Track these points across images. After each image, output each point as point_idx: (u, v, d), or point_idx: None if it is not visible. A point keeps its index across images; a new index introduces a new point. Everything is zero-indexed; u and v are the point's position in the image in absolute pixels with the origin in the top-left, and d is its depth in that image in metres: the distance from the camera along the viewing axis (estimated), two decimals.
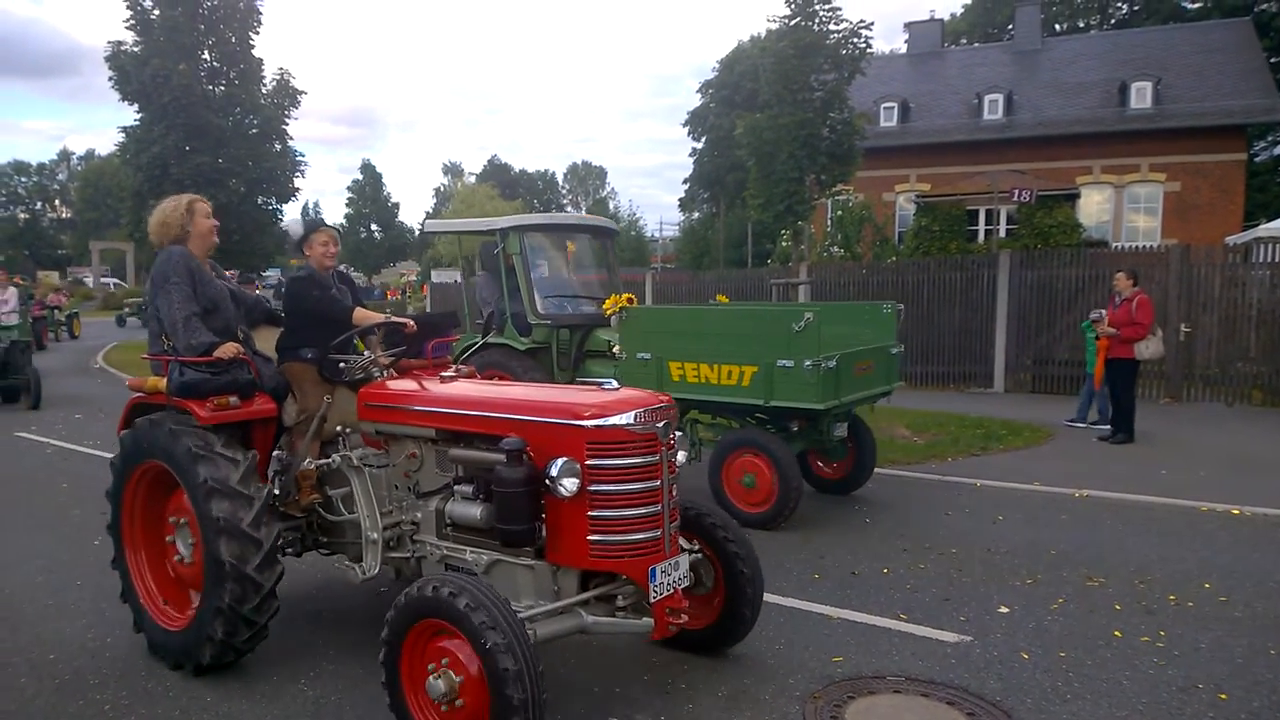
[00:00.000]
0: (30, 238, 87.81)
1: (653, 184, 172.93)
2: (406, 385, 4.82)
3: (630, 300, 8.66)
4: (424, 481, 4.59)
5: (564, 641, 4.96)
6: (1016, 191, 20.16)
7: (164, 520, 4.93)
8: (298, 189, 19.20)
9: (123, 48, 17.19)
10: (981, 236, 23.61)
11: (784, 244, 26.08)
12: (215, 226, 4.96)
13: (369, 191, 59.60)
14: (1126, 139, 30.32)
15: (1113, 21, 47.51)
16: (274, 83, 18.48)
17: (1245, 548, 6.79)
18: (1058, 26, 47.44)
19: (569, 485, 3.75)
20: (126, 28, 17.12)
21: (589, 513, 3.82)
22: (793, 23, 20.49)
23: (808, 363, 6.86)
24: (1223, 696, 4.31)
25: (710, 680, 4.51)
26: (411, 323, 5.27)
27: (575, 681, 4.52)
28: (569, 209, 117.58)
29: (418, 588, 3.65)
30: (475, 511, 4.11)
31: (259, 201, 18.58)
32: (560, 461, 3.74)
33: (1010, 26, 42.05)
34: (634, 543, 3.86)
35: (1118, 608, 5.50)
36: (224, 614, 4.33)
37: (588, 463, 3.80)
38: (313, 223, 5.76)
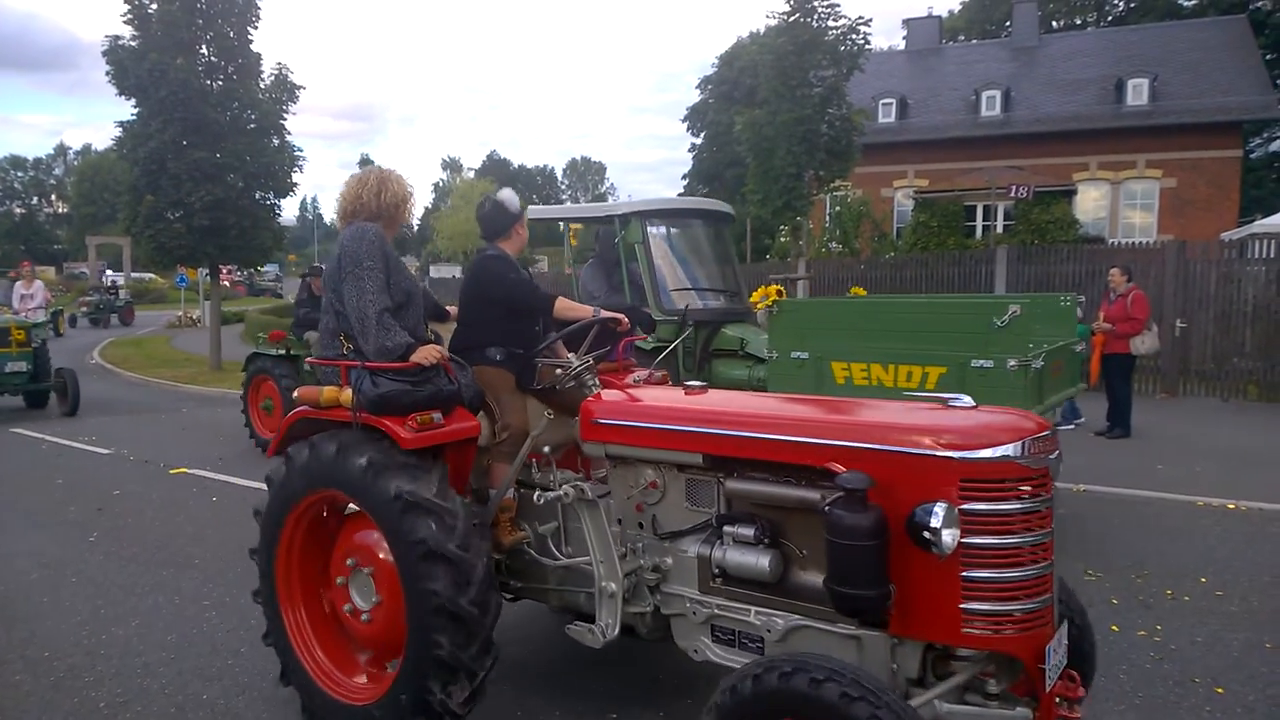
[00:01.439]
0: (26, 233, 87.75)
1: (653, 179, 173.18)
2: (653, 396, 3.95)
3: (781, 292, 7.82)
4: (665, 518, 3.67)
5: (563, 639, 4.97)
6: (1014, 188, 20.19)
7: (328, 567, 4.12)
8: (296, 184, 19.15)
9: (120, 42, 17.10)
10: (979, 232, 23.62)
11: (783, 240, 26.06)
12: (409, 204, 4.13)
13: None
14: (1123, 135, 30.33)
15: (1109, 19, 47.50)
16: (272, 78, 18.42)
17: (1241, 542, 6.80)
18: (1055, 24, 47.44)
19: (949, 539, 2.81)
20: (124, 22, 17.06)
21: (963, 573, 2.87)
22: (791, 19, 20.46)
23: (1011, 362, 5.92)
24: (1219, 690, 4.32)
25: (709, 678, 4.50)
26: (625, 318, 4.40)
27: (575, 680, 4.52)
28: (568, 204, 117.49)
29: (759, 675, 2.75)
30: (762, 561, 3.24)
31: (257, 196, 18.49)
32: (941, 509, 2.79)
33: (1008, 23, 42.03)
34: (1022, 613, 2.88)
35: (1114, 602, 5.50)
36: (439, 667, 3.51)
37: (961, 507, 2.88)
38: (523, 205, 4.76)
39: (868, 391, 6.47)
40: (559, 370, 4.04)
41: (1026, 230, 20.29)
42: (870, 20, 17.64)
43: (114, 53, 17.07)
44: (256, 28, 18.18)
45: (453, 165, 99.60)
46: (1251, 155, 40.61)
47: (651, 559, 3.69)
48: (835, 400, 3.86)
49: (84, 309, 37.07)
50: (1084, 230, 24.03)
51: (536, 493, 3.89)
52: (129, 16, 17.09)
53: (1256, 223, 21.50)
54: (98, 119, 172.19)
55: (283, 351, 10.65)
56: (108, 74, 17.17)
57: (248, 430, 11.00)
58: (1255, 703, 4.21)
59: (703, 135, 50.49)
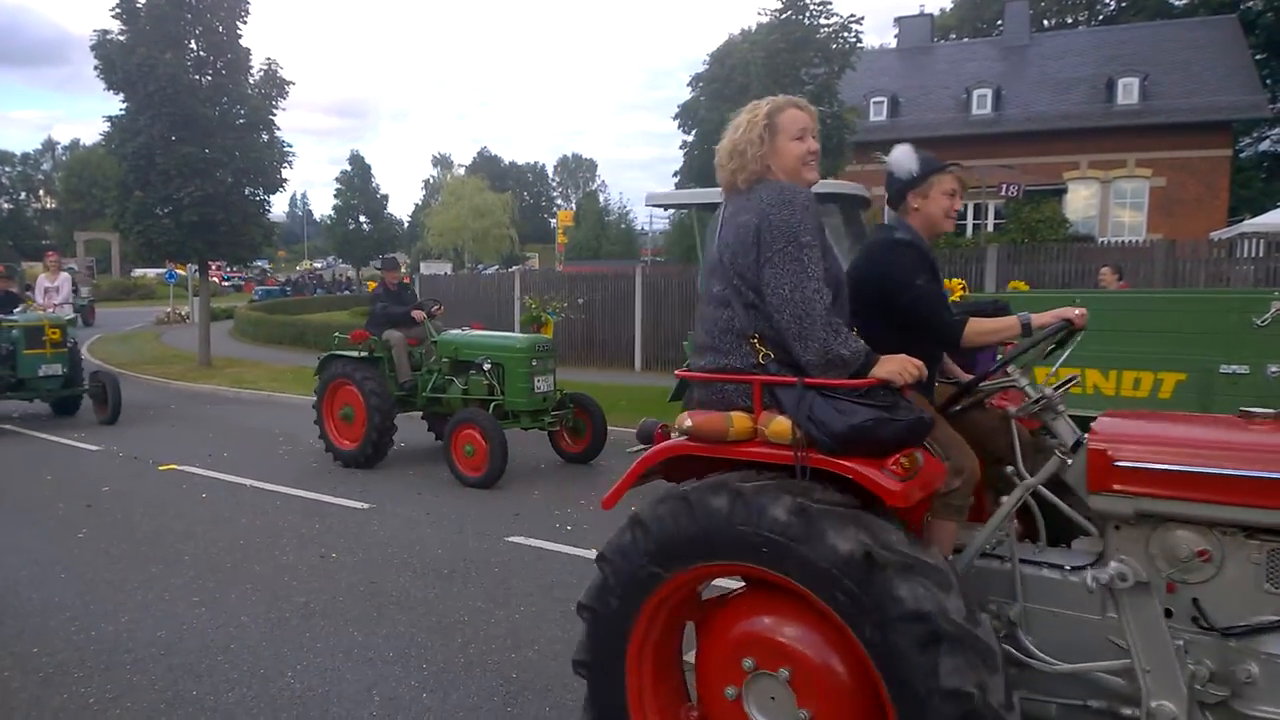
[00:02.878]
0: (14, 228, 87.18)
1: (644, 177, 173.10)
2: (1204, 430, 2.95)
3: (964, 289, 7.10)
4: (1223, 604, 2.64)
5: (553, 634, 4.97)
6: (1004, 186, 20.25)
7: (677, 671, 3.15)
8: (285, 180, 19.05)
9: (108, 36, 16.99)
10: (970, 230, 23.68)
11: None
12: (814, 152, 3.02)
13: (357, 183, 59.20)
14: (1113, 134, 30.44)
15: (1100, 18, 47.64)
16: (261, 73, 18.32)
17: None
18: (1046, 22, 47.55)
19: None
20: (112, 16, 16.94)
21: None
22: (783, 17, 20.49)
23: (1273, 369, 5.16)
24: None
25: None
26: (1083, 312, 3.23)
27: (565, 674, 4.51)
28: (559, 201, 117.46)
29: None
30: None
31: (246, 192, 18.40)
32: None
33: (999, 22, 42.12)
34: None
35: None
36: None
37: None
38: (929, 160, 3.36)
39: (1082, 402, 5.52)
40: (1029, 395, 3.01)
41: (1017, 229, 20.41)
42: (862, 18, 17.67)
43: (102, 47, 16.96)
44: (246, 22, 18.08)
45: (443, 162, 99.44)
46: (1241, 154, 40.80)
47: (1210, 664, 2.64)
48: None
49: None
50: (1074, 229, 24.13)
51: (1087, 575, 2.79)
52: (117, 11, 16.98)
53: (1245, 222, 21.60)
54: (89, 114, 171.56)
55: (365, 353, 9.80)
56: (96, 69, 17.06)
57: (322, 443, 9.90)
58: None
59: (694, 133, 50.37)
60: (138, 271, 54.99)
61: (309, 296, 43.57)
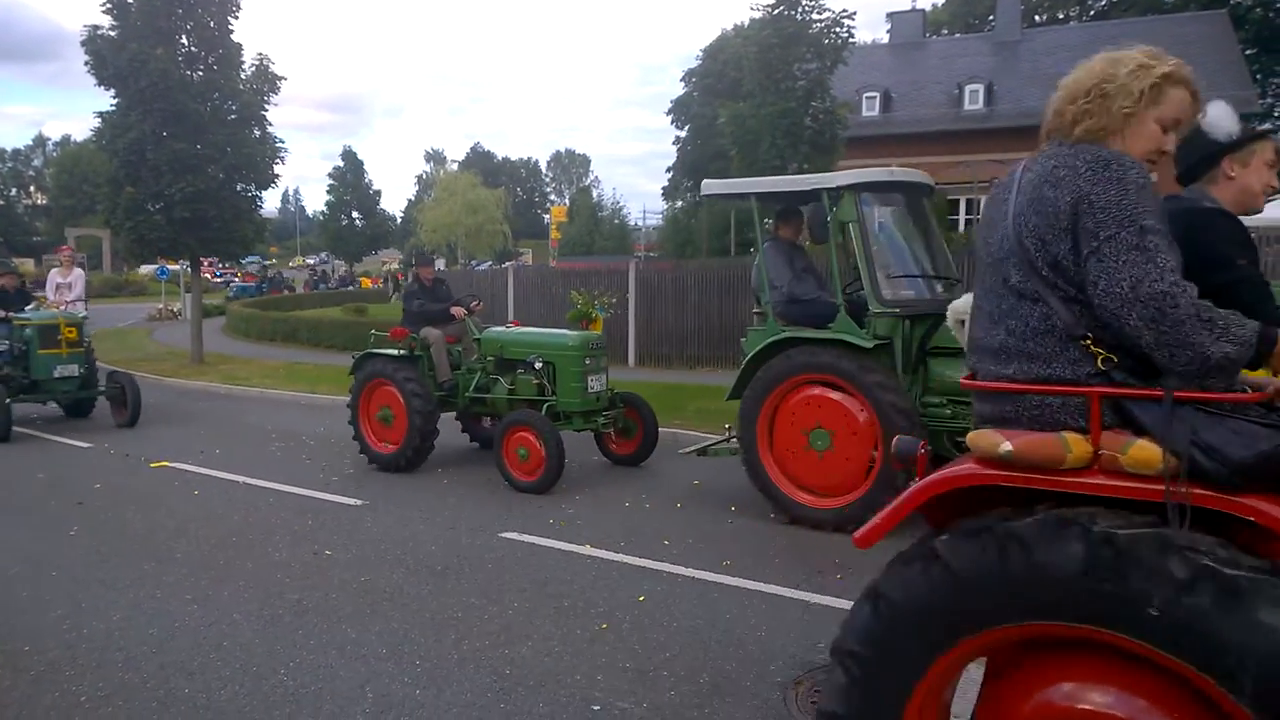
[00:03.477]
0: (5, 224, 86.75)
1: (637, 172, 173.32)
2: None
3: None
4: None
5: (546, 630, 4.98)
6: (996, 181, 20.29)
7: None
8: (278, 176, 19.00)
9: (99, 32, 16.90)
10: (962, 226, 23.71)
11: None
12: (1166, 153, 2.41)
13: (350, 178, 59.12)
14: None
15: (1092, 13, 47.74)
16: (253, 68, 18.25)
17: None
18: (1037, 18, 47.63)
19: None
20: (103, 11, 16.85)
21: None
22: (776, 12, 20.49)
23: None
24: None
25: (692, 667, 4.52)
26: None
27: (558, 670, 4.52)
28: (552, 197, 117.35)
29: None
30: None
31: (238, 188, 18.34)
32: None
33: (991, 17, 42.18)
34: None
35: None
36: None
37: None
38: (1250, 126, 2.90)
39: None
40: None
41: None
42: (854, 14, 17.67)
43: (93, 42, 16.88)
44: (237, 17, 18.00)
45: (436, 158, 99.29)
46: None
47: None
48: None
49: None
50: None
51: None
52: (108, 6, 16.89)
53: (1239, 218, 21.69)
54: (81, 110, 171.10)
55: (405, 352, 9.32)
56: (87, 64, 16.97)
57: (357, 444, 9.51)
58: None
59: (687, 128, 50.38)
60: (146, 268, 54.85)
61: (281, 295, 43.31)
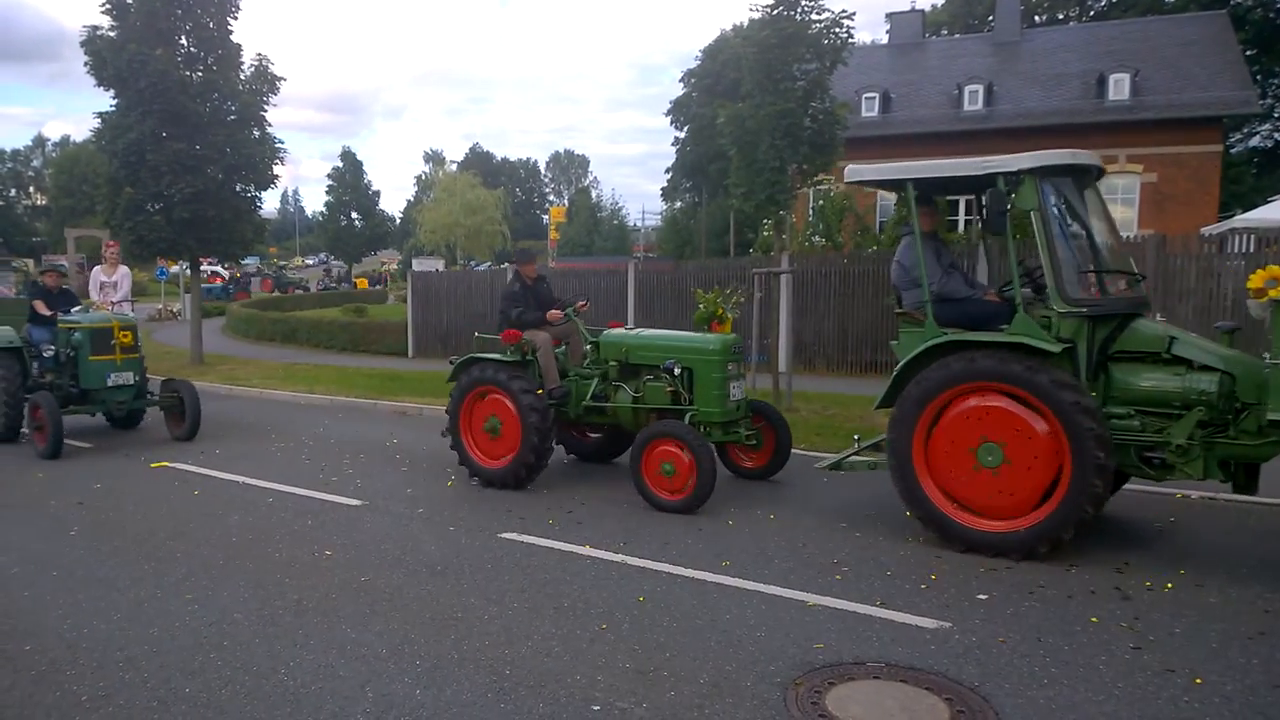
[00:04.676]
0: (5, 225, 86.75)
1: (636, 173, 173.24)
2: None
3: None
4: None
5: (546, 630, 4.98)
6: None
7: None
8: (277, 176, 19.02)
9: (99, 32, 16.91)
10: (961, 226, 23.71)
11: (766, 233, 26.10)
12: None
13: (349, 179, 59.11)
14: (1104, 130, 30.51)
15: (1091, 14, 47.75)
16: (252, 69, 18.26)
17: (1219, 535, 6.88)
18: (1037, 18, 47.65)
19: None
20: (102, 12, 16.86)
21: None
22: (775, 12, 20.47)
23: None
24: (1198, 681, 4.36)
25: (692, 667, 4.52)
26: None
27: (558, 670, 4.52)
28: (551, 198, 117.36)
29: None
30: None
31: (237, 189, 18.35)
32: None
33: (990, 18, 42.19)
34: None
35: (1094, 593, 5.55)
36: None
37: None
38: None
39: None
40: None
41: (1009, 224, 20.49)
42: (853, 14, 17.63)
43: (92, 43, 16.89)
44: (236, 18, 18.02)
45: (435, 158, 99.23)
46: (1231, 150, 40.96)
47: None
48: None
49: None
50: None
51: None
52: (107, 6, 16.91)
53: (1236, 218, 21.67)
54: (79, 110, 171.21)
55: (516, 356, 8.47)
56: (86, 65, 16.98)
57: (458, 456, 8.71)
58: (1233, 693, 4.26)
59: (686, 129, 50.40)
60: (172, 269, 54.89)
61: (250, 297, 43.36)
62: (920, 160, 7.86)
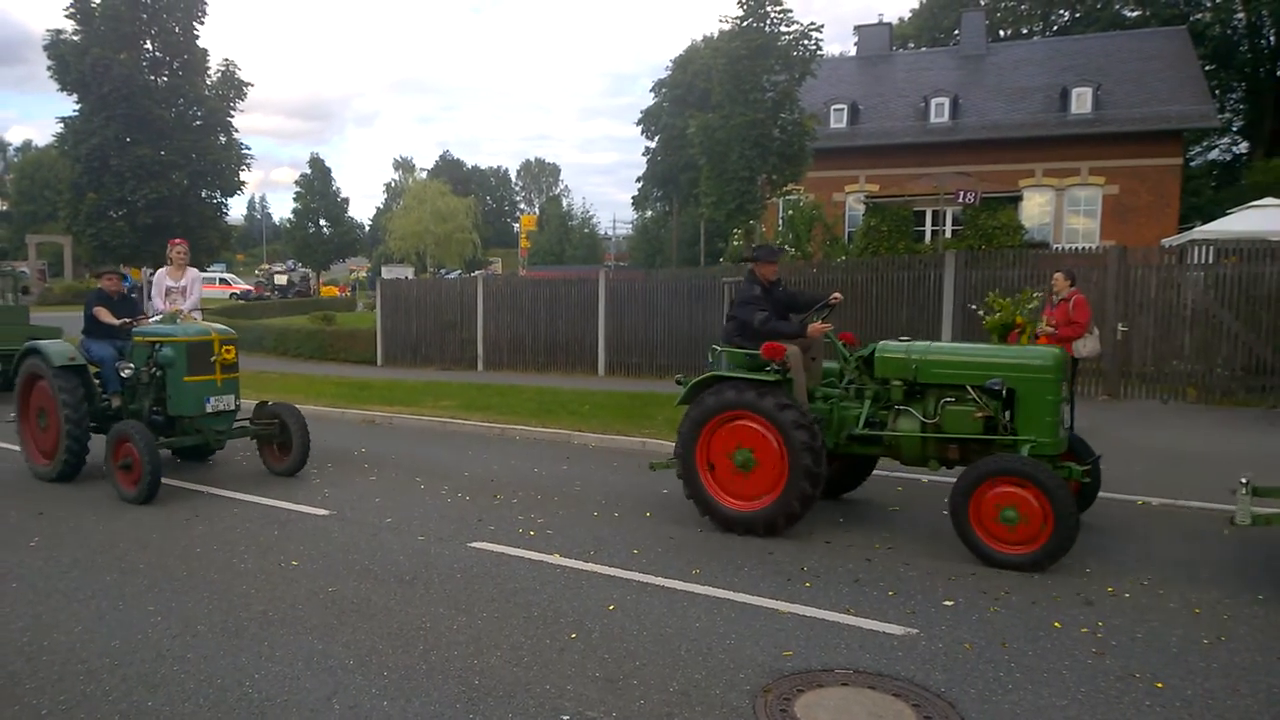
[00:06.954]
0: None
1: (608, 182, 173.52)
2: None
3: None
4: None
5: (515, 640, 4.97)
6: (962, 193, 20.53)
7: None
8: (244, 183, 18.91)
9: (62, 36, 16.71)
10: (928, 237, 23.98)
11: (736, 243, 26.24)
12: None
13: (318, 186, 58.55)
14: (1067, 143, 31.06)
15: (1055, 29, 48.53)
16: (219, 74, 18.12)
17: (1180, 541, 6.99)
18: (1002, 33, 48.35)
19: None
20: (66, 16, 16.68)
21: None
22: (744, 24, 20.64)
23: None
24: (1159, 685, 4.43)
25: (661, 675, 4.53)
26: None
27: (527, 679, 4.51)
28: (522, 206, 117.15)
29: None
30: None
31: (203, 195, 18.19)
32: None
33: (956, 32, 42.76)
34: None
35: (1057, 599, 5.63)
36: None
37: None
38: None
39: None
40: None
41: (974, 235, 20.71)
42: (822, 26, 17.85)
43: (56, 47, 16.73)
44: (203, 23, 17.91)
45: (405, 165, 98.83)
46: (1191, 163, 41.75)
47: None
48: None
49: None
50: (1029, 235, 24.56)
51: None
52: (71, 10, 16.72)
53: (1196, 229, 22.10)
54: (42, 114, 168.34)
55: (776, 375, 7.00)
56: (49, 69, 16.78)
57: (686, 491, 7.37)
58: (1193, 697, 4.33)
59: (657, 138, 50.60)
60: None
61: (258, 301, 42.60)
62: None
